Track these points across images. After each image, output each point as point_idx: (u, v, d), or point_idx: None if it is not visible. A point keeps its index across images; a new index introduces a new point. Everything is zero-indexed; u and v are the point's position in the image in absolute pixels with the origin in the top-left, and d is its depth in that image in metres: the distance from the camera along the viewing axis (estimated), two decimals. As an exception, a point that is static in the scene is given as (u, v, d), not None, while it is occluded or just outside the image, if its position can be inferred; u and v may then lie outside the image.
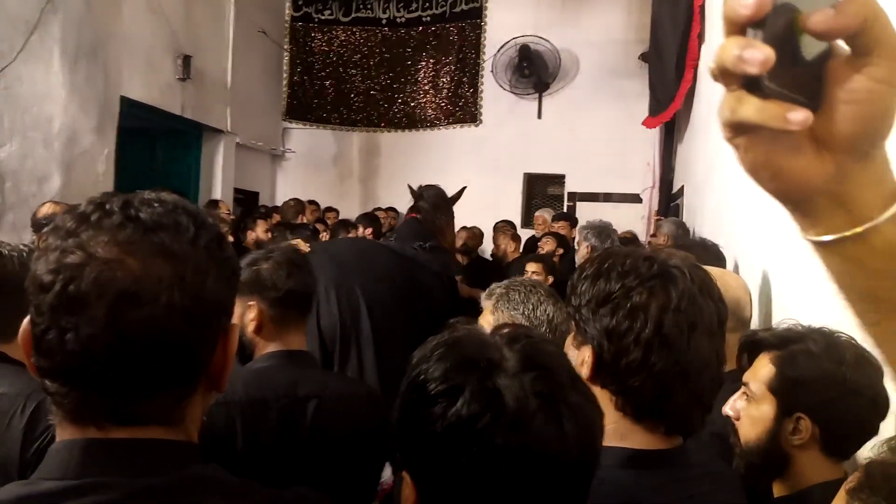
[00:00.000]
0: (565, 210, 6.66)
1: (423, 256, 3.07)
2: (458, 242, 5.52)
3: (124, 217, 0.60)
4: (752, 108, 0.41)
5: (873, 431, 1.05)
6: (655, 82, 5.48)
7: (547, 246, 4.29)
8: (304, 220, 4.28)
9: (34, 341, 0.60)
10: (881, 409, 1.04)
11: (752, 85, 0.41)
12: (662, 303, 0.84)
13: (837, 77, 0.42)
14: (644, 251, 0.91)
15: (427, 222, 3.34)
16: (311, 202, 5.14)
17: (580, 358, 0.89)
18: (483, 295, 1.62)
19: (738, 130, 0.43)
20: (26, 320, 0.62)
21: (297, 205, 4.60)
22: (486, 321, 1.53)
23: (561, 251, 4.24)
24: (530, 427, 0.61)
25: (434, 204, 3.42)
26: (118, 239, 0.59)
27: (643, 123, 5.77)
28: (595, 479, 0.66)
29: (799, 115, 0.40)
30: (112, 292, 0.57)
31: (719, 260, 2.27)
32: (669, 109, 4.95)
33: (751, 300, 1.67)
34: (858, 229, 0.44)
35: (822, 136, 0.43)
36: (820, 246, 0.46)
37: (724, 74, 0.42)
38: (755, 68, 0.39)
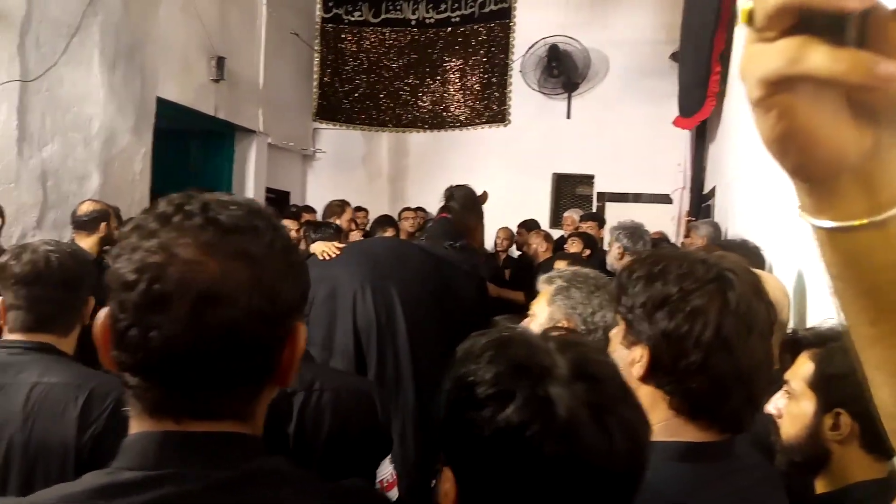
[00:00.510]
0: (594, 210, 6.63)
1: (454, 256, 3.10)
2: (501, 243, 5.55)
3: (205, 219, 0.61)
4: (824, 58, 0.34)
5: None
6: (687, 82, 5.43)
7: (573, 247, 4.27)
8: (337, 221, 4.35)
9: (116, 337, 0.62)
10: None
11: (831, 29, 0.33)
12: (721, 306, 0.85)
13: (887, 33, 0.34)
14: (697, 254, 0.92)
15: (457, 222, 3.37)
16: (346, 203, 5.18)
17: (631, 357, 0.90)
18: (542, 279, 1.55)
19: (782, 88, 0.36)
20: (103, 315, 0.64)
21: (338, 206, 4.67)
22: (540, 309, 1.48)
23: (588, 252, 4.23)
24: (580, 438, 0.60)
25: (464, 204, 3.44)
26: (200, 241, 0.60)
27: (674, 124, 5.72)
28: (654, 473, 0.66)
29: (891, 68, 0.33)
30: (194, 292, 0.59)
31: (759, 261, 2.26)
32: (705, 108, 4.90)
33: (788, 302, 1.66)
34: (882, 216, 0.38)
35: (864, 102, 0.36)
36: (828, 232, 0.40)
37: (784, 13, 0.34)
38: (856, 2, 0.32)
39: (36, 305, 1.54)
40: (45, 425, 1.44)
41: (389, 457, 1.46)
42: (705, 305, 0.85)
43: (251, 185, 6.42)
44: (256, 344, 0.63)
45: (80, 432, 1.43)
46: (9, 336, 1.57)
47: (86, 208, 3.44)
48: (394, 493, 1.49)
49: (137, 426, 0.64)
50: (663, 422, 0.88)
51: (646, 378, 0.89)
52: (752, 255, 2.18)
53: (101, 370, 1.60)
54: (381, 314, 2.51)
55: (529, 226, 5.62)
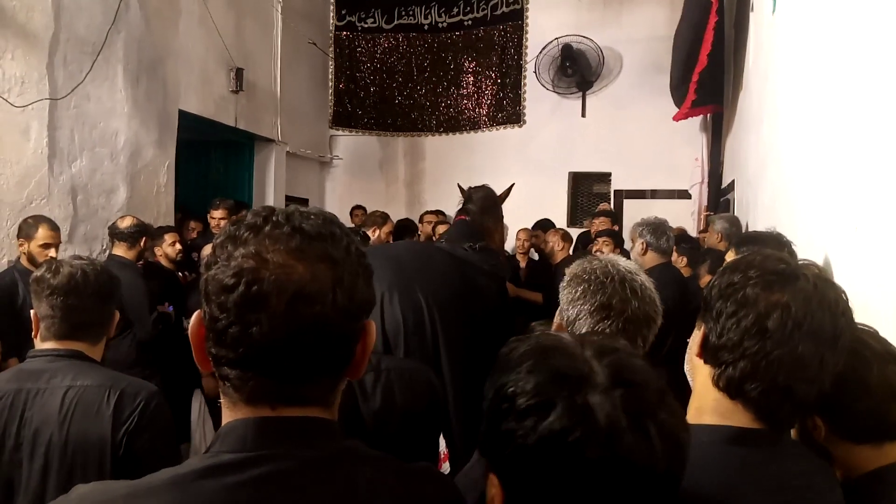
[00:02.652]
0: (611, 208, 6.64)
1: (474, 257, 3.13)
2: (522, 245, 5.55)
3: (291, 228, 0.69)
4: None
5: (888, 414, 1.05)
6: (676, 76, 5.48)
7: (605, 248, 4.27)
8: (377, 232, 4.47)
9: (215, 335, 0.69)
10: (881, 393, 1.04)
11: None
12: (775, 299, 0.90)
13: None
14: (783, 255, 0.98)
15: (475, 224, 3.40)
16: (389, 217, 5.23)
17: (695, 339, 0.98)
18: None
19: None
20: (196, 320, 0.71)
21: (380, 217, 4.78)
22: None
23: (618, 251, 4.23)
24: (621, 443, 0.62)
25: (482, 206, 3.46)
26: (290, 247, 0.68)
27: (673, 118, 5.72)
28: (703, 455, 0.69)
29: None
30: (289, 292, 0.66)
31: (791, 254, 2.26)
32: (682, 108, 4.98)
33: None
34: None
35: None
36: None
37: None
38: None
39: (70, 315, 1.63)
40: (81, 425, 1.54)
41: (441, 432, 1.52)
42: (757, 294, 0.91)
43: (271, 193, 6.51)
44: (340, 336, 0.71)
45: (115, 430, 1.53)
46: (41, 345, 1.66)
47: (128, 223, 3.71)
48: (446, 467, 1.56)
49: (232, 414, 0.71)
50: (712, 402, 0.93)
51: (699, 355, 0.96)
52: (781, 248, 2.18)
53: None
54: (407, 317, 2.55)
55: (545, 226, 5.61)
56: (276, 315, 0.66)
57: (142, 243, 3.72)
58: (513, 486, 0.67)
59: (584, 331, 1.29)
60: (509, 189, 3.78)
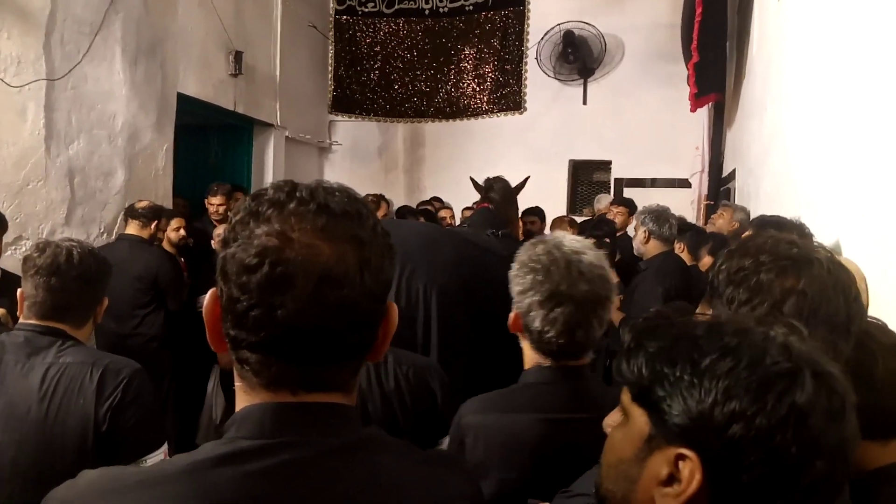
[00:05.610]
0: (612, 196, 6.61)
1: (496, 244, 3.13)
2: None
3: (317, 206, 0.66)
4: None
5: None
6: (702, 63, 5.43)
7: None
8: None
9: (234, 317, 0.65)
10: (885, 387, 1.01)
11: None
12: (790, 285, 0.88)
13: None
14: (792, 237, 0.95)
15: (499, 212, 3.43)
16: (383, 198, 5.15)
17: None
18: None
19: None
20: (210, 299, 0.68)
21: (373, 201, 4.77)
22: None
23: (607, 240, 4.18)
24: (848, 424, 0.58)
25: (504, 196, 3.51)
26: (316, 226, 0.65)
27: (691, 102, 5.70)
28: None
29: None
30: (316, 274, 0.63)
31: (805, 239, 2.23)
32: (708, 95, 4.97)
33: (866, 286, 1.54)
34: None
35: None
36: None
37: None
38: None
39: (52, 295, 1.62)
40: (62, 402, 1.53)
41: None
42: (771, 280, 0.88)
43: (269, 178, 6.47)
44: (366, 319, 0.68)
45: (98, 405, 1.53)
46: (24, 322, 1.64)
47: (144, 203, 3.92)
48: None
49: (248, 399, 0.68)
50: None
51: None
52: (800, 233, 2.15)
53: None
54: (401, 300, 2.53)
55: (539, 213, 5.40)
56: (301, 298, 0.63)
57: (153, 226, 3.84)
58: (724, 470, 0.59)
59: (537, 322, 1.24)
60: (524, 182, 3.79)
